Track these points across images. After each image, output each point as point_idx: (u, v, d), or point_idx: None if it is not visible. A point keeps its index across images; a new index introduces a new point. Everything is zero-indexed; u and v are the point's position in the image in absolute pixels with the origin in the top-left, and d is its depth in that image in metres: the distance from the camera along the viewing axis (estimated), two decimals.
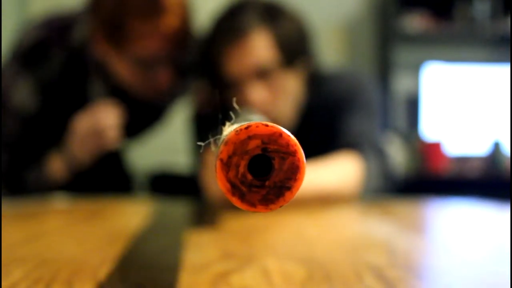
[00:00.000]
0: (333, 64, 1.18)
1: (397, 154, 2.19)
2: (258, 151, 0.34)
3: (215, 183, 0.65)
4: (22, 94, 1.06)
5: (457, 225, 0.65)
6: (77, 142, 1.04)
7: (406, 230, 0.55)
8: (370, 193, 0.89)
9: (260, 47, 0.93)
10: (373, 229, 0.56)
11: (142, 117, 1.23)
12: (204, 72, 1.00)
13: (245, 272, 0.35)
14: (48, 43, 1.07)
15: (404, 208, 0.75)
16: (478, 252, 0.44)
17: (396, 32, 2.44)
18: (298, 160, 0.35)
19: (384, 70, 2.48)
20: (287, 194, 0.36)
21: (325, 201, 0.81)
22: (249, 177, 0.36)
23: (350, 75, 1.09)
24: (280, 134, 0.35)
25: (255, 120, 0.35)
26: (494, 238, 0.51)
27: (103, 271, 0.35)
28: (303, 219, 0.63)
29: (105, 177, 1.15)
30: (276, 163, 0.36)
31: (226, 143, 0.33)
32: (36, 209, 0.73)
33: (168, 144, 2.58)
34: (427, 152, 2.16)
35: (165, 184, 1.49)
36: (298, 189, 0.36)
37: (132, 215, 0.66)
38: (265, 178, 0.36)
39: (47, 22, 1.10)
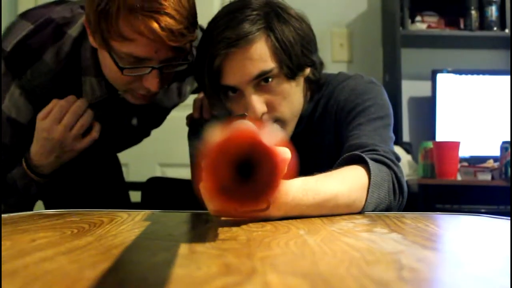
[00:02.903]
0: (339, 69, 1.18)
1: (404, 160, 2.17)
2: (239, 156, 0.37)
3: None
4: (13, 99, 1.02)
5: (467, 239, 0.64)
6: (40, 141, 1.01)
7: (414, 244, 0.53)
8: (378, 205, 0.86)
9: (261, 55, 0.92)
10: (379, 243, 0.54)
11: (139, 118, 1.21)
12: (203, 79, 0.98)
13: (246, 286, 0.34)
14: (39, 44, 1.02)
15: (412, 221, 0.74)
16: (488, 266, 0.43)
17: (404, 36, 2.42)
18: (276, 162, 0.39)
19: (392, 75, 2.45)
20: (270, 191, 0.40)
21: (329, 211, 0.79)
22: (234, 179, 0.39)
23: (357, 80, 1.07)
24: (257, 141, 0.38)
25: (240, 127, 0.39)
26: (505, 251, 0.49)
27: (97, 287, 0.33)
28: (306, 232, 0.62)
29: (100, 191, 1.13)
30: (257, 165, 0.38)
31: (211, 150, 0.35)
32: (28, 223, 0.72)
33: (165, 158, 2.58)
34: (438, 155, 2.11)
35: (162, 187, 1.48)
36: (279, 186, 0.40)
37: (128, 228, 0.64)
38: (249, 179, 0.38)
39: (39, 20, 1.04)
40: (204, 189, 0.68)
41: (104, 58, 0.98)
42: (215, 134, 0.37)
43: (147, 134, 1.34)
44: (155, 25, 0.88)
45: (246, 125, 0.40)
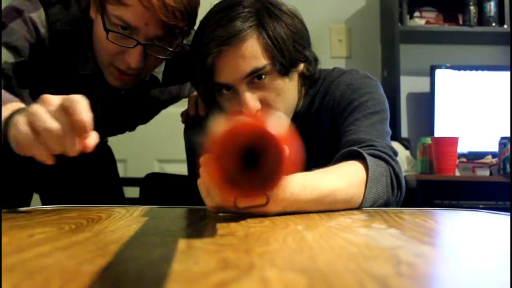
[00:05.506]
0: (338, 65, 1.19)
1: (402, 156, 2.16)
2: (245, 147, 0.38)
3: (213, 188, 0.63)
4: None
5: (466, 234, 0.64)
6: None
7: (412, 240, 0.53)
8: (376, 200, 0.86)
9: (253, 52, 0.92)
10: (377, 238, 0.54)
11: (127, 104, 1.20)
12: (196, 77, 0.98)
13: (244, 282, 0.34)
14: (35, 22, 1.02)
15: (411, 217, 0.74)
16: (487, 262, 0.43)
17: (403, 32, 2.41)
18: (281, 149, 0.40)
19: (390, 71, 2.45)
20: (276, 179, 0.41)
21: (327, 206, 0.79)
22: (241, 168, 0.40)
23: (353, 75, 1.07)
24: (262, 129, 0.39)
25: (244, 118, 0.40)
26: (504, 247, 0.49)
27: (95, 282, 0.33)
28: (304, 227, 0.62)
29: (95, 185, 1.13)
30: (263, 154, 0.39)
31: (218, 142, 0.36)
32: (25, 219, 0.72)
33: (162, 154, 2.58)
34: (436, 151, 2.11)
35: (160, 183, 1.48)
36: (284, 174, 0.42)
37: (126, 223, 0.64)
38: (255, 168, 0.40)
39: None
40: (202, 184, 0.68)
41: (96, 27, 0.99)
42: (219, 126, 0.38)
43: (132, 128, 1.33)
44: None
45: (249, 117, 0.41)
